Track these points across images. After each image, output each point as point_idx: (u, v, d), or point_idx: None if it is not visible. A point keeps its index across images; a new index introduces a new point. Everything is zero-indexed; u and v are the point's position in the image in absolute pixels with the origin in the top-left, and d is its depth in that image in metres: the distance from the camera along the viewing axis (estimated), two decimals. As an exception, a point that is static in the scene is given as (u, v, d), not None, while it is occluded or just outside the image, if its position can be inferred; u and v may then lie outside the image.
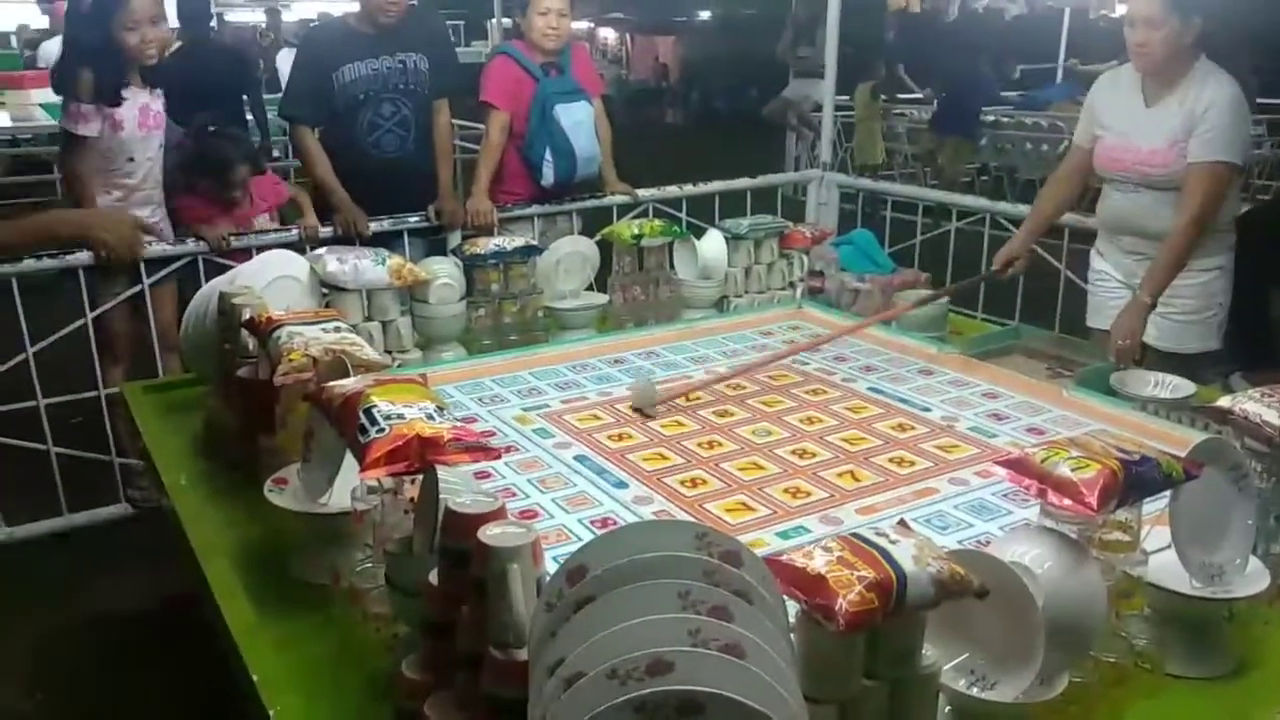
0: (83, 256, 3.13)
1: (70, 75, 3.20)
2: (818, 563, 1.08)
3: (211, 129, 3.65)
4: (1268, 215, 2.79)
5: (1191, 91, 2.58)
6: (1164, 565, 1.40)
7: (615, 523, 1.76)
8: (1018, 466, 1.34)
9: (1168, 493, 1.37)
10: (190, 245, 3.32)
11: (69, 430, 3.41)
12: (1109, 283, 2.89)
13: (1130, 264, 2.81)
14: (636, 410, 2.27)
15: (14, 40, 13.85)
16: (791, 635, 1.05)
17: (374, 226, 3.44)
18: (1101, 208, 2.89)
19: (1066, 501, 1.25)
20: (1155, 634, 1.40)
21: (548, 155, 3.63)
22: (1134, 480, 1.28)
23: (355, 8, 3.57)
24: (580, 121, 3.65)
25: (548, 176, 3.65)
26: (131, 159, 3.30)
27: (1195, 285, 2.68)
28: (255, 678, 1.35)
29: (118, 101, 3.19)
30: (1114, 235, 2.87)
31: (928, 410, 2.28)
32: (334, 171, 3.47)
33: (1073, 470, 1.27)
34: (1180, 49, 2.56)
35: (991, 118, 8.17)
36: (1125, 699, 1.32)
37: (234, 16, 18.28)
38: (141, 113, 3.29)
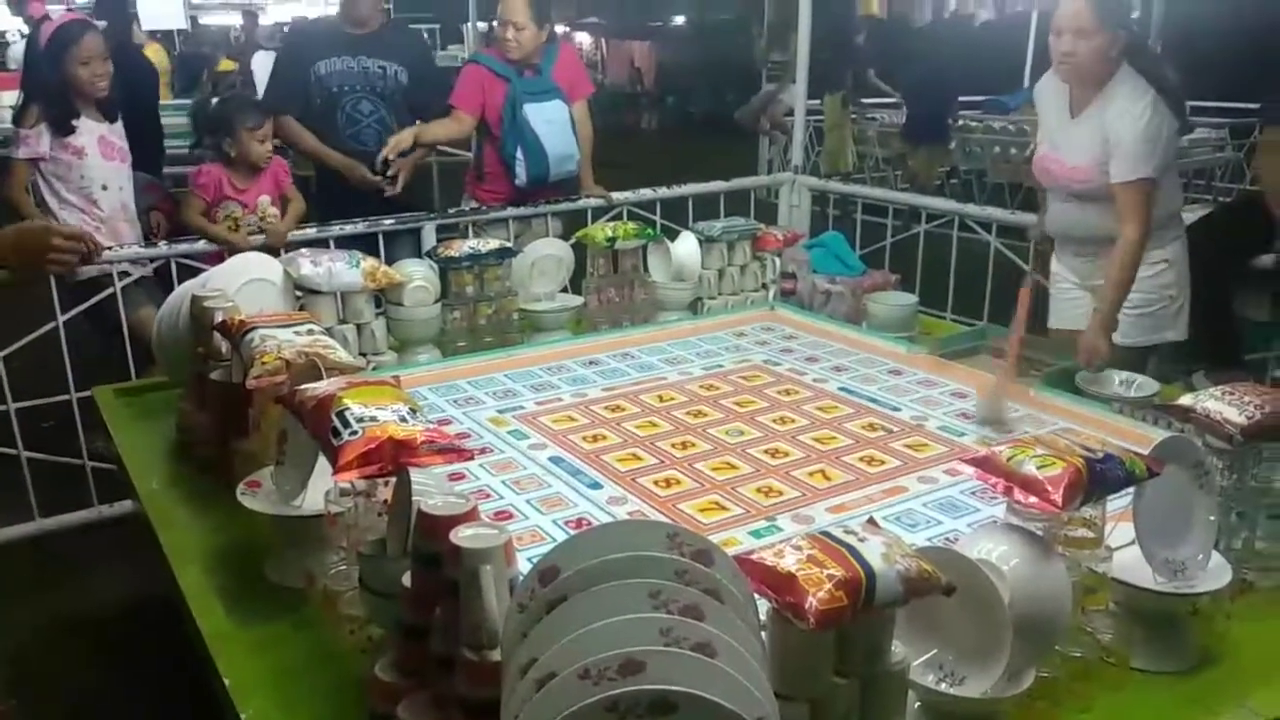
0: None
1: (21, 108, 3.45)
2: (788, 561, 1.09)
3: (220, 97, 3.76)
4: (1228, 216, 2.83)
5: (1110, 104, 2.58)
6: (1128, 561, 1.42)
7: (590, 523, 1.77)
8: (985, 465, 1.36)
9: (1131, 490, 1.40)
10: (162, 247, 3.30)
11: (40, 434, 3.37)
12: (1064, 284, 2.92)
13: (1081, 265, 2.84)
14: (985, 423, 2.19)
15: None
16: (762, 633, 1.07)
17: (349, 229, 3.45)
18: (1046, 214, 2.92)
19: (1032, 499, 1.27)
20: (1120, 629, 1.42)
21: (519, 154, 3.67)
22: (1098, 478, 1.30)
23: (332, 11, 3.63)
24: (552, 120, 3.68)
25: (520, 175, 3.68)
26: (105, 187, 3.45)
27: (1142, 279, 2.68)
28: (227, 682, 1.35)
29: (68, 130, 3.37)
30: (1061, 244, 2.91)
31: (897, 410, 2.31)
32: (318, 168, 3.61)
33: (1038, 468, 1.29)
34: (1106, 59, 2.57)
35: (961, 122, 8.25)
36: (1091, 693, 1.34)
37: (209, 19, 18.14)
38: (102, 143, 3.46)
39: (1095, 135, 2.59)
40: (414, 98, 3.73)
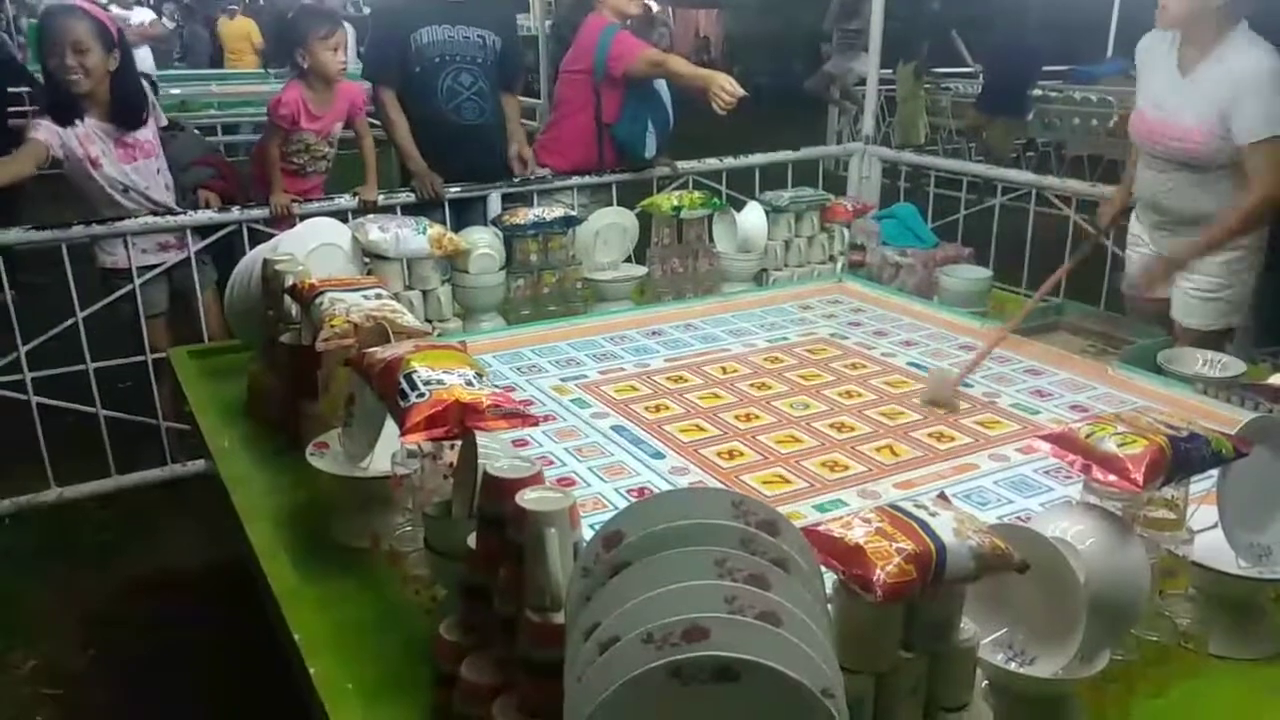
0: (131, 224, 3.20)
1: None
2: (856, 533, 1.07)
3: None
4: None
5: (1229, 62, 2.44)
6: (1210, 544, 1.38)
7: (652, 492, 1.76)
8: (1062, 442, 1.32)
9: (1215, 471, 1.35)
10: (234, 213, 3.36)
11: (117, 394, 3.47)
12: (1142, 248, 2.81)
13: (1162, 239, 2.71)
14: (931, 404, 2.11)
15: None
16: (828, 605, 1.05)
17: (453, 192, 3.46)
18: (1136, 179, 2.78)
19: (1111, 478, 1.23)
20: (1199, 614, 1.38)
21: (650, 126, 3.60)
22: (1182, 457, 1.25)
23: None
24: (664, 85, 3.64)
25: (651, 147, 3.63)
26: (126, 189, 3.26)
27: (1220, 263, 2.57)
28: (297, 637, 1.37)
29: (68, 122, 3.14)
30: (1144, 210, 2.77)
31: (969, 386, 2.25)
32: (417, 136, 3.50)
33: (1119, 446, 1.24)
34: (1207, 11, 2.43)
35: (1039, 92, 8.01)
36: (1167, 678, 1.30)
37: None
38: (119, 146, 3.23)
39: (1211, 94, 2.45)
40: (502, 69, 3.60)
